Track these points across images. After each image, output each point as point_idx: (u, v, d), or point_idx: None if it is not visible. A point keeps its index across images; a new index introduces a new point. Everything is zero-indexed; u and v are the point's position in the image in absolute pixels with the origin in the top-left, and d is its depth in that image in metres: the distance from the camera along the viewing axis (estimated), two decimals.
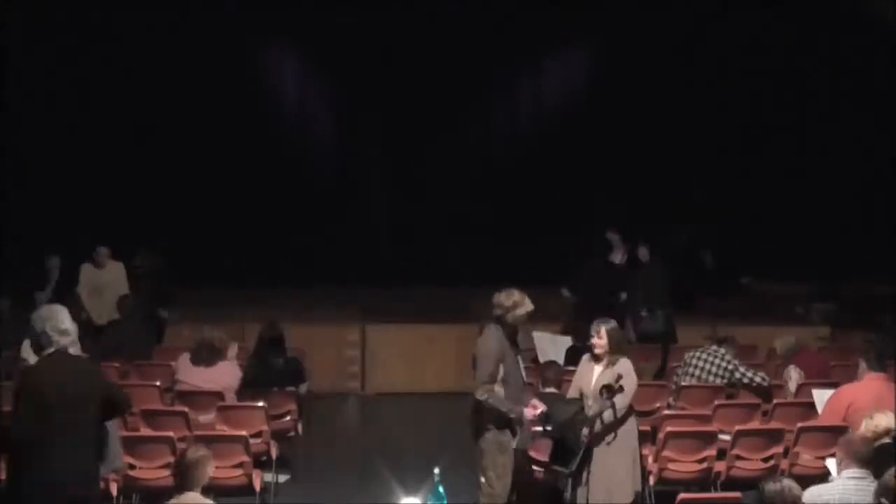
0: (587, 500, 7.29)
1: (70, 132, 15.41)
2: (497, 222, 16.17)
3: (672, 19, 16.02)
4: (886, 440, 6.75)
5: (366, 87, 16.55)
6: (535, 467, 7.95)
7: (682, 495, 6.60)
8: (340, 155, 17.24)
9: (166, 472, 7.17)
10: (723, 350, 9.29)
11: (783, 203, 16.01)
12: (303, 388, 9.40)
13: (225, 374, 8.73)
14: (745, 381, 9.17)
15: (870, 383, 8.05)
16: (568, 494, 7.50)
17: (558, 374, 8.79)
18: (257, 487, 7.81)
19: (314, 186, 16.79)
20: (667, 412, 8.73)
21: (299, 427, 9.42)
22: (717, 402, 8.75)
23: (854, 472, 6.08)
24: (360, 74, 16.50)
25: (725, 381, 9.16)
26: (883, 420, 6.88)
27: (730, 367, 9.18)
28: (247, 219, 16.22)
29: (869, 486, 5.94)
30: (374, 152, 17.10)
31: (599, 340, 7.45)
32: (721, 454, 8.17)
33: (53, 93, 15.29)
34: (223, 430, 8.03)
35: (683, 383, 9.23)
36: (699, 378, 9.21)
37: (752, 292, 15.52)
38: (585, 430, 7.16)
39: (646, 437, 8.25)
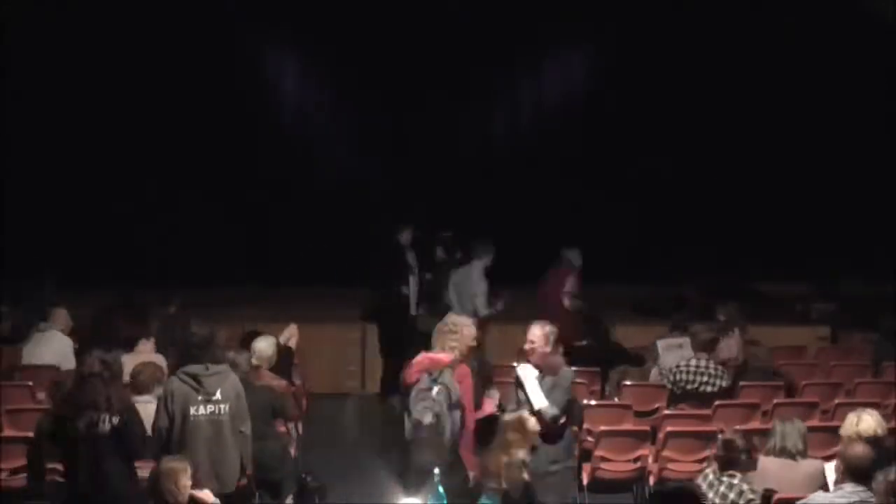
0: None
1: (68, 130, 15.40)
2: (497, 222, 16.13)
3: (671, 19, 16.01)
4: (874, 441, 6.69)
5: (365, 86, 16.52)
6: None
7: None
8: (340, 155, 17.20)
9: None
10: (712, 364, 8.99)
11: (783, 202, 15.99)
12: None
13: None
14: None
15: None
16: None
17: None
18: (254, 486, 7.81)
19: (314, 186, 16.77)
20: (667, 412, 8.71)
21: (299, 427, 9.42)
22: (717, 403, 8.74)
23: (853, 487, 6.01)
24: (358, 74, 16.49)
25: (716, 390, 9.04)
26: (869, 422, 6.84)
27: (723, 381, 9.01)
28: (247, 218, 16.20)
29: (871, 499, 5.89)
30: (373, 152, 17.06)
31: None
32: None
33: (47, 90, 15.28)
34: None
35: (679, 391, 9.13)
36: (695, 389, 9.08)
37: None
38: None
39: (646, 437, 8.26)
